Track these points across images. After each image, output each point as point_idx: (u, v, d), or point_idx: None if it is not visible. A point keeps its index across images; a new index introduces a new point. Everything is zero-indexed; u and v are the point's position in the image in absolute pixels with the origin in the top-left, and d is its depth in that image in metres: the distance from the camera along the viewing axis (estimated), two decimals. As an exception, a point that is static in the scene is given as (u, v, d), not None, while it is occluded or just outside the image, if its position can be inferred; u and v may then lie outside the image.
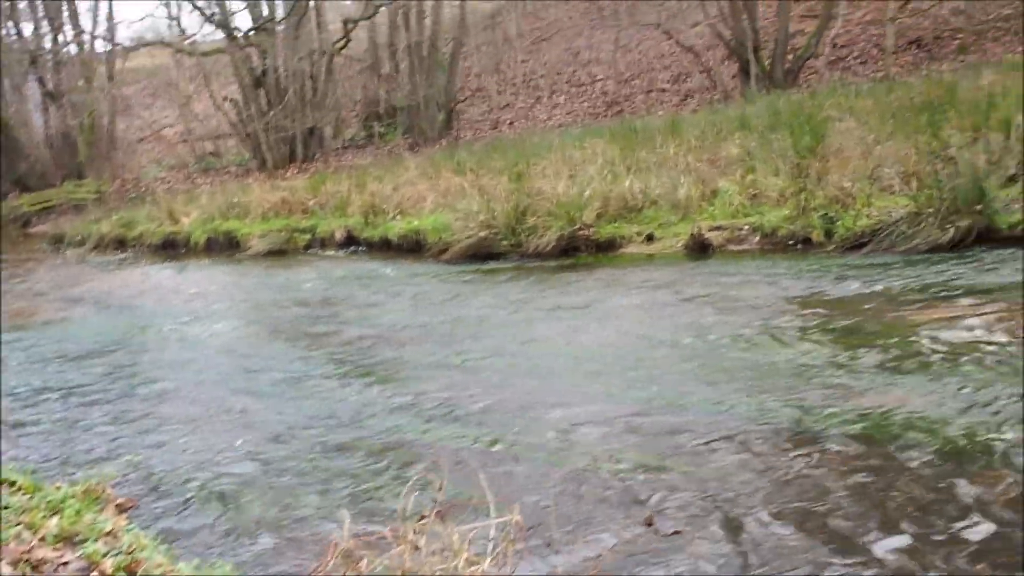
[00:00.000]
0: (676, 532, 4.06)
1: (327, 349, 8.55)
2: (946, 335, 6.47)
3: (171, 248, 17.94)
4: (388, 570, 2.85)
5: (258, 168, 25.57)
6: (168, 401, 7.30)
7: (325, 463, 5.58)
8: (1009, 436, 4.70)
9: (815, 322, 7.30)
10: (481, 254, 12.33)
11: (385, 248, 14.28)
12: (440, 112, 26.39)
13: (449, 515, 2.95)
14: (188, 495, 5.24)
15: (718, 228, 10.81)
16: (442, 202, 14.42)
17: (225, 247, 16.80)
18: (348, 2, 31.49)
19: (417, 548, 2.87)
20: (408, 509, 2.93)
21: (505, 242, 12.17)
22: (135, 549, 3.54)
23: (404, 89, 25.61)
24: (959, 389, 5.44)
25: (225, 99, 26.96)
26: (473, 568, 2.82)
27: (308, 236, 15.89)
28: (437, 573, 2.82)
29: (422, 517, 2.93)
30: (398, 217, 14.87)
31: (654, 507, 4.38)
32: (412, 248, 13.69)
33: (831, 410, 5.38)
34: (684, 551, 3.99)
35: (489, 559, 2.84)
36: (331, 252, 15.12)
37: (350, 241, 15.21)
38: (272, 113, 25.07)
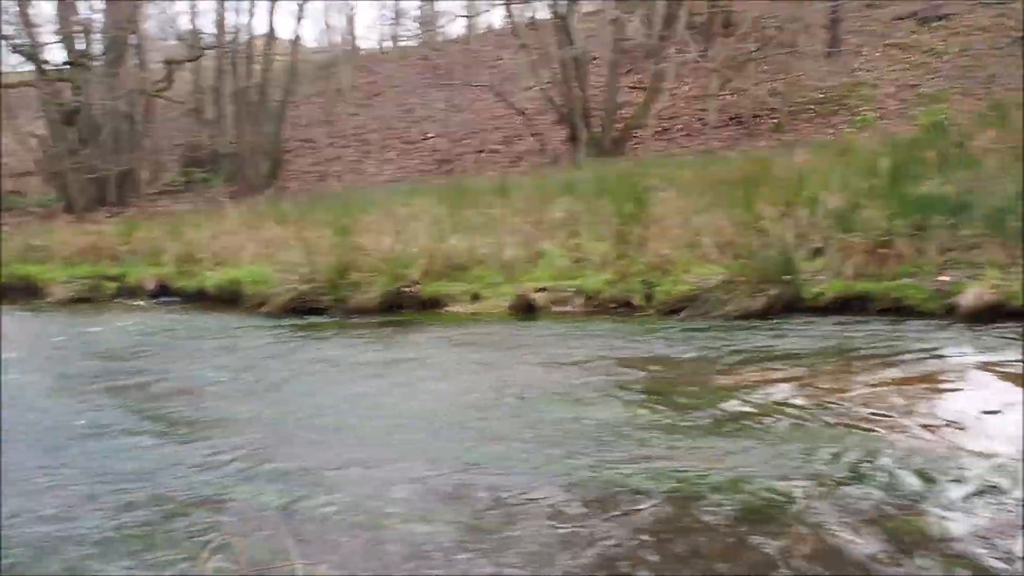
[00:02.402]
0: None
1: (131, 403, 8.07)
2: (753, 397, 6.69)
3: (-44, 292, 16.74)
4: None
5: (65, 210, 24.23)
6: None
7: (123, 524, 5.20)
8: (800, 493, 4.87)
9: (633, 383, 7.43)
10: (302, 308, 12.03)
11: (200, 299, 13.75)
12: (266, 161, 25.88)
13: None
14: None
15: (543, 290, 10.90)
16: (263, 253, 14.06)
17: (23, 293, 15.78)
18: (173, 43, 30.59)
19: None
20: (209, 568, 2.73)
21: (327, 297, 11.91)
22: None
23: (228, 135, 24.97)
24: (762, 449, 5.61)
25: (31, 135, 25.56)
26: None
27: (117, 284, 15.16)
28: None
29: (226, 576, 2.73)
30: (216, 267, 14.38)
31: (468, 570, 4.27)
32: (229, 300, 13.23)
33: (642, 470, 5.43)
34: None
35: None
36: (141, 302, 14.45)
37: (163, 291, 14.61)
38: (83, 153, 23.89)
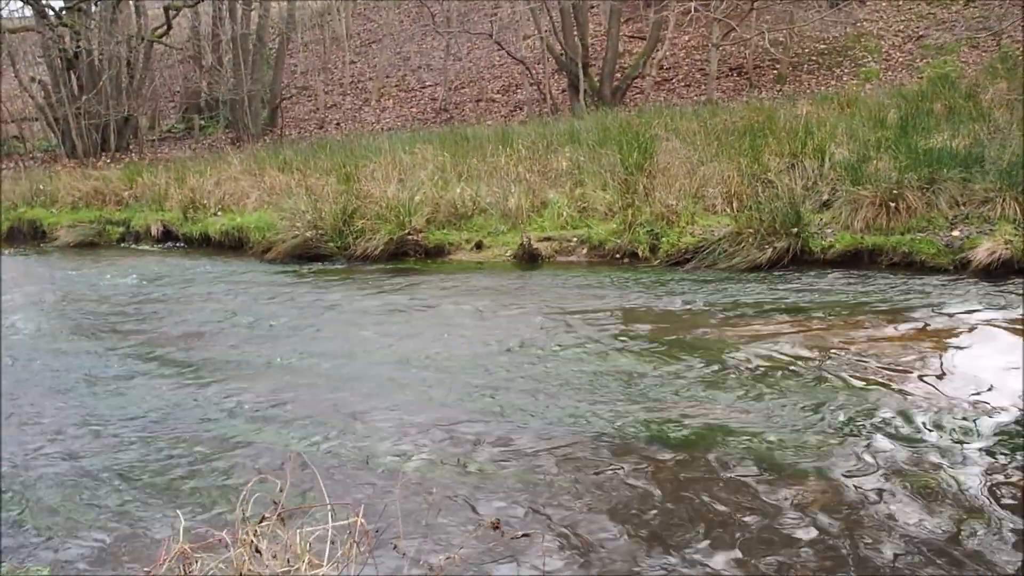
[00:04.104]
0: (525, 535, 4.04)
1: (143, 347, 8.11)
2: (760, 350, 6.74)
3: (-34, 235, 16.71)
4: (227, 573, 2.69)
5: (67, 155, 24.11)
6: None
7: (146, 465, 5.27)
8: (813, 443, 4.93)
9: (639, 334, 7.46)
10: (307, 255, 12.05)
11: (205, 245, 13.76)
12: (264, 108, 25.67)
13: (289, 518, 2.79)
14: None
15: (547, 239, 10.90)
16: (267, 200, 14.03)
17: (30, 237, 15.79)
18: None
19: (258, 551, 2.71)
20: (247, 512, 2.76)
21: (332, 244, 11.91)
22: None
23: (227, 82, 24.72)
24: (770, 401, 5.66)
25: (32, 80, 25.34)
26: (315, 570, 2.69)
27: (122, 229, 15.19)
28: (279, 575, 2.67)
29: (262, 519, 2.76)
30: (219, 213, 14.37)
31: (493, 512, 4.34)
32: (234, 246, 13.25)
33: (653, 420, 5.49)
34: (530, 552, 3.99)
35: (332, 561, 2.71)
36: (146, 246, 14.48)
37: (167, 236, 14.63)
38: (84, 98, 23.72)
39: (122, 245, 14.81)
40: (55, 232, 15.40)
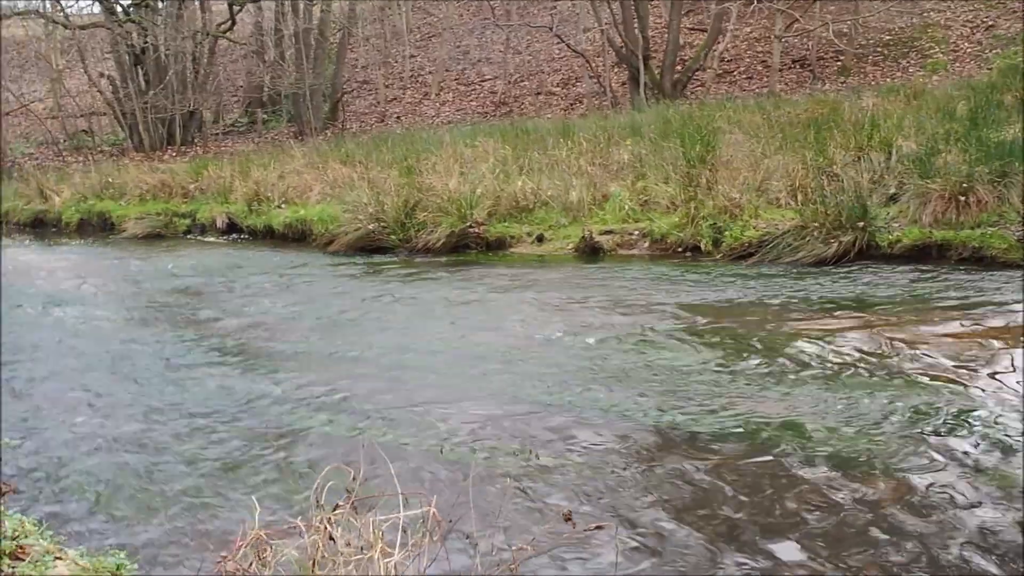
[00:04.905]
0: (598, 527, 4.06)
1: (212, 337, 8.26)
2: (826, 345, 6.65)
3: (40, 227, 17.14)
4: (301, 560, 2.74)
5: (134, 149, 24.66)
6: (47, 385, 6.93)
7: (218, 452, 5.37)
8: (883, 443, 4.86)
9: (702, 328, 7.42)
10: (369, 247, 12.17)
11: (269, 237, 13.96)
12: (326, 102, 25.96)
13: (362, 507, 2.83)
14: (73, 481, 4.98)
15: (609, 232, 10.88)
16: (329, 193, 14.18)
17: (99, 228, 16.17)
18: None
19: (331, 538, 2.75)
20: (322, 499, 2.81)
21: (394, 236, 12.01)
22: (19, 535, 3.31)
23: (290, 77, 25.03)
24: (837, 398, 5.59)
25: (101, 75, 25.90)
26: (388, 560, 2.72)
27: (188, 221, 15.48)
28: (352, 563, 2.70)
29: (336, 507, 2.81)
30: (283, 206, 14.56)
31: (562, 505, 4.36)
32: (297, 238, 13.43)
33: (717, 414, 5.47)
34: (603, 546, 4.00)
35: (404, 551, 2.74)
36: (212, 238, 14.73)
37: (232, 228, 14.86)
38: (151, 93, 24.20)
39: (188, 237, 15.09)
40: (123, 224, 15.73)
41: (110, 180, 17.55)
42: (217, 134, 26.17)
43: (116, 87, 25.05)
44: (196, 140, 25.21)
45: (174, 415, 6.07)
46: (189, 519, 4.52)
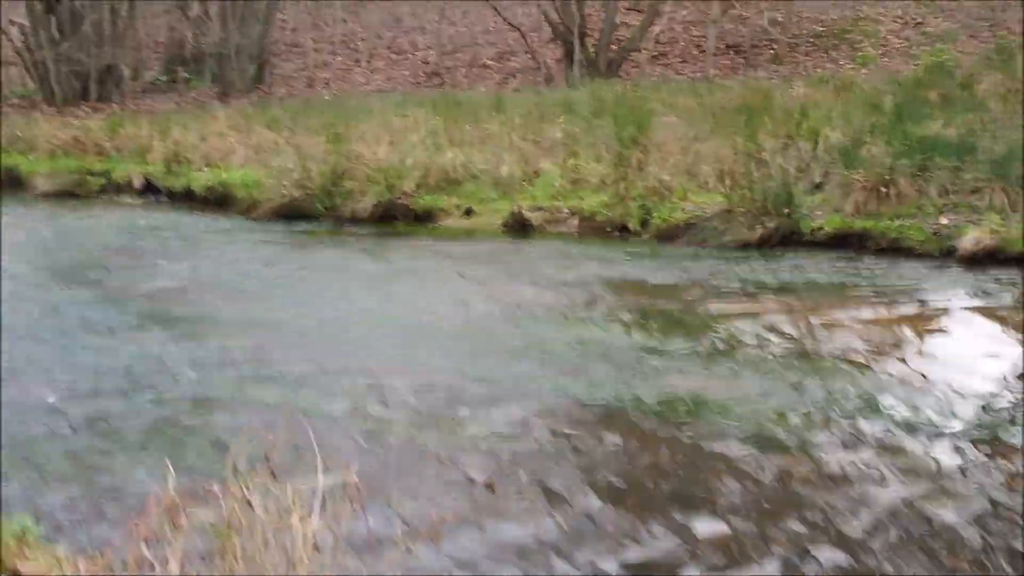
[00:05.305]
0: (519, 496, 4.12)
1: (130, 301, 8.05)
2: (746, 327, 6.81)
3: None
4: (217, 525, 2.68)
5: (45, 102, 23.66)
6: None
7: (135, 418, 5.23)
8: (798, 422, 4.99)
9: (627, 306, 7.55)
10: (293, 214, 11.92)
11: (188, 200, 13.58)
12: (252, 64, 25.36)
13: (281, 473, 2.78)
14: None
15: (539, 209, 10.85)
16: (253, 157, 13.87)
17: (6, 184, 15.52)
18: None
19: (249, 504, 2.69)
20: (240, 465, 2.73)
21: (320, 204, 11.81)
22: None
23: (214, 35, 24.38)
24: (755, 377, 5.74)
25: (11, 23, 24.84)
26: (306, 527, 2.68)
27: (103, 180, 14.90)
28: (269, 530, 2.65)
29: (254, 473, 2.74)
30: (204, 168, 14.19)
31: (485, 475, 4.36)
32: (218, 202, 13.10)
33: (638, 390, 5.54)
34: (524, 515, 4.02)
35: (323, 518, 2.70)
36: (128, 199, 14.28)
37: (149, 189, 14.39)
38: (65, 44, 23.28)
39: (102, 196, 14.58)
40: (33, 180, 15.13)
41: (18, 134, 16.85)
42: (136, 91, 25.32)
43: (27, 36, 24.06)
44: (113, 96, 24.30)
45: (82, 378, 5.89)
46: (102, 485, 4.40)
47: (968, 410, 5.11)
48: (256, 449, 2.86)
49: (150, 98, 24.71)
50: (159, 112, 19.97)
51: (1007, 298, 7.38)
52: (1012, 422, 4.92)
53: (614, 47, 21.20)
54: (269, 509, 2.69)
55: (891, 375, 5.72)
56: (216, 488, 2.72)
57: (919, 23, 20.14)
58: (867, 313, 7.13)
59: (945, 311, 7.23)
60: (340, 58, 26.52)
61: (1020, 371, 5.79)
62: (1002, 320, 6.89)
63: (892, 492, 4.16)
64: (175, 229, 11.67)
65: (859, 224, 9.18)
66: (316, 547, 2.65)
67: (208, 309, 7.69)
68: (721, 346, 6.37)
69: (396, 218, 11.47)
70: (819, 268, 8.51)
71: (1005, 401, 5.28)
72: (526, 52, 22.81)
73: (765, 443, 4.72)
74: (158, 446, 4.77)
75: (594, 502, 4.18)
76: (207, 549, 2.70)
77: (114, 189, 14.74)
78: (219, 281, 8.76)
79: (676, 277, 8.43)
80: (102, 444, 4.86)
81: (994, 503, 4.03)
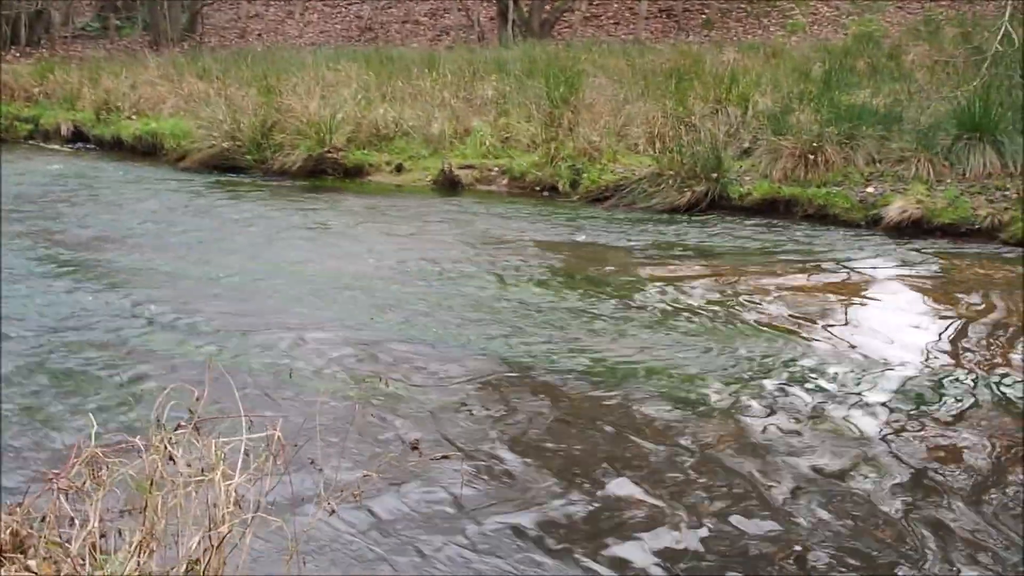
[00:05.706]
0: (444, 457, 4.10)
1: (54, 249, 7.90)
2: (672, 290, 6.86)
3: None
4: (139, 479, 2.65)
5: (-29, 46, 23.04)
6: None
7: (57, 368, 5.17)
8: (719, 385, 5.06)
9: (554, 267, 7.55)
10: (223, 165, 11.83)
11: (117, 148, 13.38)
12: (184, 13, 24.83)
13: (205, 428, 2.77)
14: None
15: (469, 167, 10.86)
16: (183, 107, 13.71)
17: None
18: None
19: (171, 458, 2.68)
20: (163, 418, 2.72)
21: (249, 156, 11.71)
22: None
23: (146, -18, 23.84)
24: (679, 341, 5.77)
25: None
26: (228, 482, 2.67)
27: (30, 126, 14.76)
28: (192, 484, 2.65)
29: (177, 427, 2.74)
30: (134, 117, 13.98)
31: (410, 434, 4.37)
32: (148, 151, 12.92)
33: (564, 352, 5.56)
34: (448, 476, 4.04)
35: (246, 474, 2.70)
36: (56, 146, 14.05)
37: (78, 137, 14.23)
38: (-6, -13, 22.64)
39: (29, 143, 14.34)
40: (-43, 124, 14.78)
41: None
42: (66, 37, 24.67)
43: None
44: (43, 41, 23.73)
45: (12, 327, 5.78)
46: (21, 436, 4.34)
47: (891, 379, 5.19)
48: (181, 402, 2.84)
49: (80, 44, 24.12)
50: (89, 59, 19.48)
51: (932, 268, 7.50)
52: (933, 391, 5.00)
53: (548, 7, 21.16)
54: (192, 464, 2.68)
55: (816, 342, 5.78)
56: (139, 441, 2.70)
57: (850, -8, 20.41)
58: (793, 280, 7.17)
59: (870, 279, 7.31)
60: (273, 10, 26.08)
61: (941, 341, 5.94)
62: (925, 291, 6.99)
63: (814, 459, 4.22)
64: (103, 177, 11.47)
65: (787, 190, 9.28)
66: (238, 504, 2.64)
67: (129, 259, 7.57)
68: (648, 309, 6.40)
69: (326, 172, 11.41)
70: (746, 233, 8.60)
71: (927, 370, 5.37)
72: (460, 10, 22.65)
73: (689, 407, 4.77)
74: (83, 398, 4.74)
75: (518, 462, 4.21)
76: (128, 503, 2.69)
77: (42, 136, 14.59)
78: (146, 231, 8.63)
79: (604, 239, 8.46)
80: (25, 394, 4.80)
81: (915, 471, 4.11)
